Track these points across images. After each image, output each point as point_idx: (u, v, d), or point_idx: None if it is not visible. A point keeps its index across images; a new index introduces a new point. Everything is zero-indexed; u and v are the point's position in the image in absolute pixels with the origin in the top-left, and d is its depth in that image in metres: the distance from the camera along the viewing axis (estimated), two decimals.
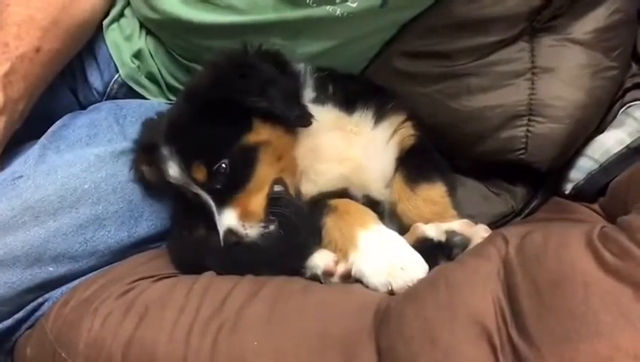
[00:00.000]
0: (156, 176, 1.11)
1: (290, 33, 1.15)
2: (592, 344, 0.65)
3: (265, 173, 1.03)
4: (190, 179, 1.03)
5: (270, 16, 1.14)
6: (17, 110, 1.15)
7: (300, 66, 1.11)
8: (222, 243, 1.00)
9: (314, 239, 1.01)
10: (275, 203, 1.02)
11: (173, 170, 1.04)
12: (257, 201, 1.01)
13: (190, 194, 1.06)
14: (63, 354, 0.94)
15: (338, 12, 1.10)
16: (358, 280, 0.94)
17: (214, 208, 1.02)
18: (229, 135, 1.02)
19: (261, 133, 1.02)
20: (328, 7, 1.10)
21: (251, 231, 1.00)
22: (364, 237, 0.96)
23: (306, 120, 1.03)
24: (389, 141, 1.11)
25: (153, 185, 1.15)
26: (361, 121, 1.10)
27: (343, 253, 0.97)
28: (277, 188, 1.03)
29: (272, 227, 1.00)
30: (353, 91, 1.13)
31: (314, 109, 1.06)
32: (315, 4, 1.11)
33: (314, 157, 1.08)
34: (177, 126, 1.06)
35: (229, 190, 1.01)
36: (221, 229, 1.00)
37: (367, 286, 0.93)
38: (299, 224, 1.01)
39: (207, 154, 1.02)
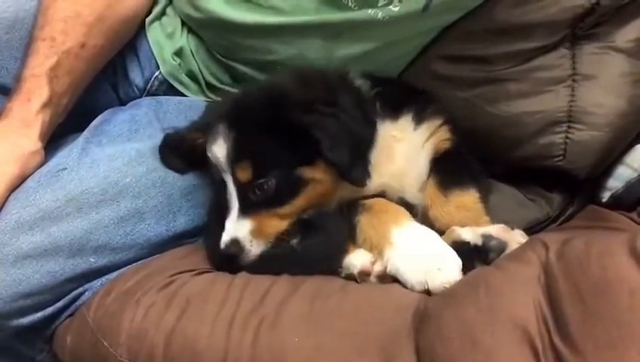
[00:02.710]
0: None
1: (331, 35, 1.17)
2: (638, 352, 0.65)
3: (300, 204, 1.03)
4: (230, 170, 1.03)
5: (312, 17, 1.15)
6: (62, 104, 1.17)
7: (363, 88, 1.10)
8: (220, 247, 1.01)
9: (343, 242, 1.01)
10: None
11: (219, 150, 1.04)
12: (277, 226, 1.02)
13: (218, 177, 1.06)
14: (105, 343, 0.96)
15: (380, 15, 1.11)
16: (395, 281, 0.94)
17: (235, 209, 1.03)
18: (288, 157, 1.02)
19: (317, 171, 1.02)
20: (370, 10, 1.11)
21: (254, 249, 1.01)
22: (399, 234, 0.97)
23: (362, 180, 1.01)
24: (424, 144, 1.11)
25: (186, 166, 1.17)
26: (404, 127, 1.11)
27: (377, 251, 0.97)
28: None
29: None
30: (398, 99, 1.13)
31: None
32: (357, 7, 1.12)
33: None
34: (246, 114, 1.05)
35: (259, 205, 1.02)
36: (227, 234, 1.01)
37: (402, 284, 0.93)
38: (327, 229, 1.02)
39: (259, 162, 1.02)
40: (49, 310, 1.06)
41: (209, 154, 1.07)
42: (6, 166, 1.06)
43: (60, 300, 1.06)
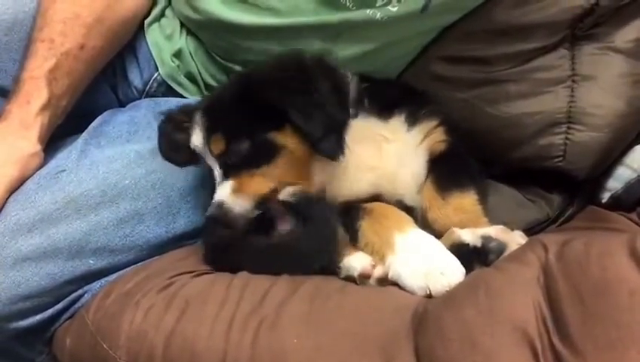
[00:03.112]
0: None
1: (330, 36, 1.16)
2: (637, 352, 0.65)
3: (278, 170, 1.03)
4: (207, 149, 1.06)
5: (310, 18, 1.15)
6: (61, 106, 1.17)
7: (349, 78, 1.11)
8: (207, 216, 1.03)
9: (331, 236, 1.01)
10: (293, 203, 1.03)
11: (196, 137, 1.07)
12: (259, 185, 1.03)
13: (205, 164, 1.08)
14: (104, 346, 0.96)
15: (378, 16, 1.11)
16: (395, 284, 0.94)
17: (218, 180, 1.04)
18: (259, 124, 1.03)
19: (289, 138, 1.03)
20: (369, 10, 1.11)
21: (239, 207, 1.01)
22: (402, 240, 0.96)
23: (335, 154, 1.01)
24: (419, 146, 1.11)
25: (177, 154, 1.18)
26: (395, 128, 1.10)
27: (379, 256, 0.97)
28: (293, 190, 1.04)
29: (286, 224, 1.02)
30: (389, 99, 1.13)
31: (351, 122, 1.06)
32: (355, 8, 1.11)
33: (345, 166, 1.07)
34: (218, 100, 1.10)
35: (237, 167, 1.03)
36: (215, 199, 1.02)
37: (403, 289, 0.93)
38: (315, 221, 1.02)
39: (230, 130, 1.04)
40: (48, 312, 1.06)
41: (193, 148, 1.09)
42: (5, 168, 1.06)
43: (59, 302, 1.06)
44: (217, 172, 1.05)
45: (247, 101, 1.04)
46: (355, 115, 1.09)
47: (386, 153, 1.09)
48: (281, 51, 1.16)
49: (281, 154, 1.03)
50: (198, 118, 1.08)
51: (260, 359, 0.86)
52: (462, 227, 1.01)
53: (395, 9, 1.10)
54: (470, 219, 1.04)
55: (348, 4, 1.11)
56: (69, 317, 1.07)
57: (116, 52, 1.30)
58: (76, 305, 1.07)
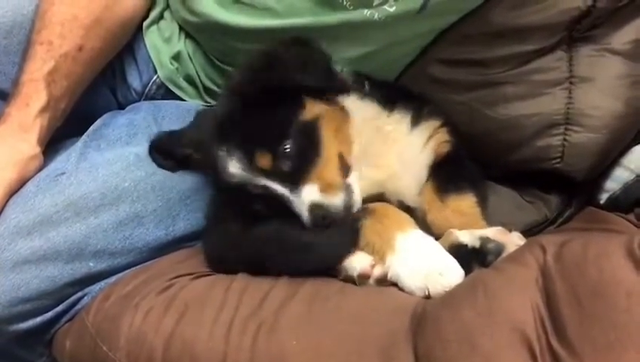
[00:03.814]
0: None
1: (328, 38, 1.16)
2: (635, 353, 0.65)
3: (329, 144, 1.02)
4: (255, 170, 1.01)
5: (308, 19, 1.15)
6: (60, 108, 1.18)
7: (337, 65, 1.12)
8: (310, 222, 0.98)
9: (346, 245, 1.00)
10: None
11: (234, 168, 1.03)
12: (332, 172, 1.01)
13: (256, 190, 1.03)
14: (104, 348, 0.96)
15: (376, 16, 1.11)
16: (394, 284, 0.94)
17: (288, 193, 1.00)
18: (284, 117, 1.02)
19: (314, 108, 1.03)
20: (366, 10, 1.11)
21: (336, 201, 0.99)
22: (402, 241, 0.96)
23: (345, 87, 1.06)
24: (423, 147, 1.11)
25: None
26: (399, 123, 1.11)
27: (380, 256, 0.97)
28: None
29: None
30: (390, 93, 1.14)
31: (354, 102, 1.08)
32: (352, 7, 1.11)
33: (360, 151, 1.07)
34: (230, 121, 1.05)
35: (299, 170, 1.00)
36: (304, 208, 0.98)
37: (402, 290, 0.93)
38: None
39: (267, 140, 1.01)
40: (48, 315, 1.06)
41: (228, 179, 1.04)
42: (4, 171, 1.06)
43: (59, 305, 1.06)
44: (280, 187, 1.01)
45: (256, 102, 1.02)
46: (361, 98, 1.10)
47: (389, 151, 1.09)
48: None
49: (320, 127, 1.02)
50: (223, 151, 1.04)
51: (259, 361, 0.86)
52: (460, 229, 1.02)
53: (392, 9, 1.10)
54: (468, 222, 1.04)
55: (345, 3, 1.11)
56: (69, 320, 1.08)
57: (115, 53, 1.31)
58: (76, 308, 1.07)
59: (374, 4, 1.10)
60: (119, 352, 0.94)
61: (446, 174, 1.10)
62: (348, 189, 1.01)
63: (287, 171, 1.01)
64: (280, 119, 1.02)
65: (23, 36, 1.23)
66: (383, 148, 1.09)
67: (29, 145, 1.11)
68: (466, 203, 1.07)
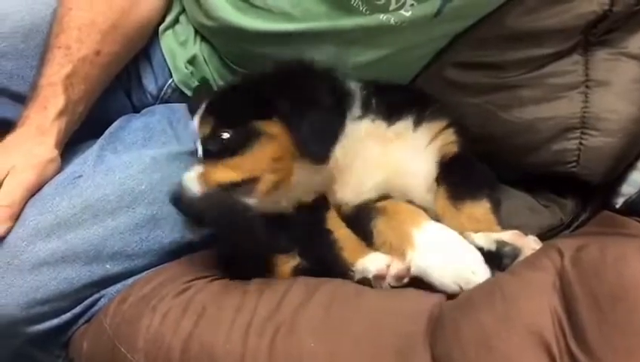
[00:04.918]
0: None
1: (344, 41, 1.17)
2: None
3: (253, 161, 1.04)
4: (197, 129, 1.10)
5: (324, 24, 1.15)
6: (77, 111, 1.19)
7: (353, 86, 1.12)
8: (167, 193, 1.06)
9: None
10: None
11: (194, 123, 1.12)
12: (223, 175, 1.04)
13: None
14: (122, 350, 0.96)
15: (392, 21, 1.11)
16: (410, 284, 0.95)
17: (195, 163, 1.07)
18: (248, 114, 1.06)
19: (273, 127, 1.04)
20: (382, 15, 1.11)
21: (193, 188, 1.02)
22: (420, 236, 0.96)
23: (321, 157, 1.02)
24: (428, 145, 1.11)
25: None
26: (401, 128, 1.10)
27: (399, 253, 0.97)
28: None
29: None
30: (396, 102, 1.13)
31: (354, 125, 1.08)
32: (368, 12, 1.12)
33: (350, 166, 1.08)
34: (221, 92, 1.19)
35: (215, 155, 1.05)
36: (184, 179, 1.04)
37: (424, 288, 0.93)
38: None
39: (219, 117, 1.08)
40: (65, 316, 1.06)
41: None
42: (24, 173, 1.07)
43: (76, 306, 1.07)
44: (199, 154, 1.08)
45: (243, 93, 1.09)
46: (363, 118, 1.10)
47: (390, 152, 1.09)
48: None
49: (260, 143, 1.04)
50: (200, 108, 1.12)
51: None
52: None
53: (408, 13, 1.10)
54: (482, 229, 1.03)
55: (361, 8, 1.12)
56: (86, 321, 1.08)
57: (131, 57, 1.31)
58: (93, 309, 1.08)
59: (390, 8, 1.10)
60: (137, 354, 0.95)
61: (459, 179, 1.08)
62: (222, 195, 1.03)
63: (211, 150, 1.07)
64: (245, 113, 1.06)
65: (41, 40, 1.24)
66: (381, 151, 1.09)
67: (47, 148, 1.12)
68: (480, 209, 1.06)
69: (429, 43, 1.20)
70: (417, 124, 1.11)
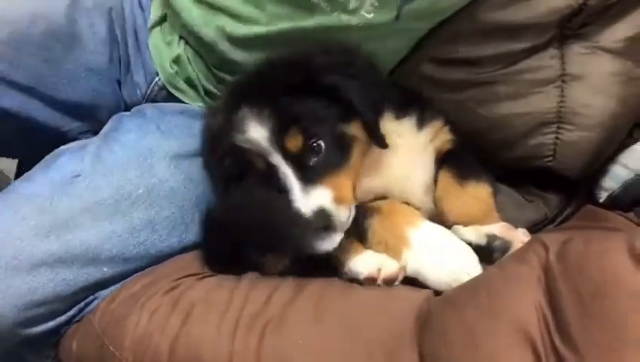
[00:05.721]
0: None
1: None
2: (637, 353, 0.66)
3: (354, 165, 1.01)
4: (278, 146, 0.97)
5: (286, 25, 1.13)
6: None
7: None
8: (308, 223, 0.94)
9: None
10: None
11: (255, 132, 0.98)
12: (348, 187, 0.99)
13: (259, 165, 1.00)
14: (111, 348, 0.97)
15: (354, 22, 1.10)
16: (399, 283, 0.96)
17: (296, 185, 0.96)
18: (328, 117, 0.99)
19: (356, 130, 1.01)
20: (344, 16, 1.10)
21: (344, 214, 0.95)
22: (416, 235, 0.97)
23: (384, 141, 1.02)
24: (427, 146, 1.12)
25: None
26: (406, 128, 1.11)
27: (394, 252, 0.97)
28: None
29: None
30: (397, 99, 1.13)
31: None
32: (329, 9, 1.10)
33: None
34: (272, 87, 1.00)
35: (319, 170, 0.97)
36: (308, 207, 0.95)
37: (426, 283, 0.94)
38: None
39: (306, 126, 0.97)
40: (60, 319, 1.07)
41: (242, 145, 1.00)
42: None
43: (71, 309, 1.07)
44: (290, 173, 0.97)
45: (310, 88, 0.98)
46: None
47: (396, 155, 1.09)
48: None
49: (354, 146, 1.01)
50: (248, 111, 0.99)
51: (265, 361, 0.87)
52: (477, 217, 1.03)
53: (370, 16, 1.09)
54: (485, 211, 1.05)
55: (321, 3, 1.09)
56: (77, 321, 1.08)
57: None
58: (86, 310, 1.08)
59: (349, 8, 1.08)
60: (125, 352, 0.95)
61: (461, 163, 1.10)
62: (352, 210, 0.99)
63: (308, 165, 0.98)
64: (323, 117, 0.99)
65: (44, 26, 1.23)
66: (388, 152, 1.07)
67: None
68: (484, 190, 1.08)
69: (396, 41, 1.18)
70: (420, 125, 1.12)
